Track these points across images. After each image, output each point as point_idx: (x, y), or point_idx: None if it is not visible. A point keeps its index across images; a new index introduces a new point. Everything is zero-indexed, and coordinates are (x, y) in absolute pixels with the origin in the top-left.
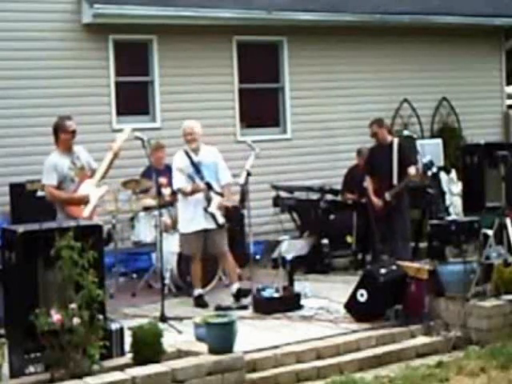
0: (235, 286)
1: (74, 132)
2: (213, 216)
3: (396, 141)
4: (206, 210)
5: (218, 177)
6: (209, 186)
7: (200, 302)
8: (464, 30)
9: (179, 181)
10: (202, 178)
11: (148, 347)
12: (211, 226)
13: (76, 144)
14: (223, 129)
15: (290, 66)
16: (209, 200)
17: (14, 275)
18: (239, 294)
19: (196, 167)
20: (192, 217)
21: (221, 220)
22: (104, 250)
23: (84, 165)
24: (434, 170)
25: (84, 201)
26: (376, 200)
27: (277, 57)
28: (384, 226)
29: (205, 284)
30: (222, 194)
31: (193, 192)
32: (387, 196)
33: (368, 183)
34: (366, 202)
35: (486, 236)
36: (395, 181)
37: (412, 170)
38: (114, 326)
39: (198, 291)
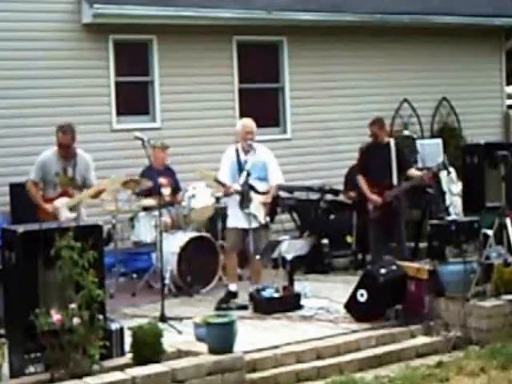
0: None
1: (61, 146)
2: (252, 215)
3: (392, 141)
4: (242, 210)
5: (268, 177)
6: (249, 186)
7: (227, 300)
8: (464, 30)
9: (222, 174)
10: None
11: (148, 347)
12: (253, 225)
13: (76, 143)
14: (223, 129)
15: (289, 66)
16: (249, 200)
17: (14, 275)
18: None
19: (240, 166)
20: (234, 214)
21: (262, 220)
22: (104, 249)
23: (76, 177)
24: (451, 170)
25: (49, 216)
26: (375, 197)
27: (277, 57)
28: (380, 227)
29: (205, 284)
30: (265, 193)
31: (225, 195)
32: (387, 196)
33: (362, 182)
34: (361, 202)
35: (486, 236)
36: (395, 181)
37: (415, 172)
38: (114, 326)
39: (233, 286)
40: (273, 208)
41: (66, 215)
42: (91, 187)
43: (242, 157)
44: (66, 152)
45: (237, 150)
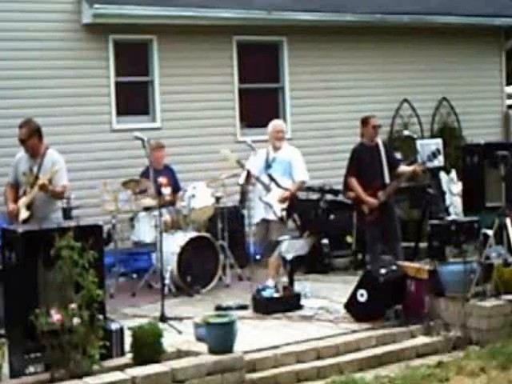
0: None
1: (20, 141)
2: (270, 206)
3: (380, 141)
4: (260, 198)
5: (292, 174)
6: (271, 178)
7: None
8: (464, 30)
9: (249, 162)
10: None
11: (148, 347)
12: (270, 216)
13: (76, 143)
14: (223, 129)
15: (289, 66)
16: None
17: (14, 275)
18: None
19: (267, 162)
20: (256, 207)
21: (278, 212)
22: (104, 249)
23: (40, 176)
24: (441, 158)
25: (11, 215)
26: (371, 200)
27: (277, 57)
28: (376, 228)
29: (205, 284)
30: (286, 189)
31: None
32: (381, 196)
33: (356, 185)
34: (356, 204)
35: (486, 236)
36: (387, 180)
37: (405, 168)
38: (114, 326)
39: (270, 282)
40: (291, 205)
41: (23, 215)
42: (56, 186)
43: (272, 154)
44: (28, 149)
45: (267, 149)
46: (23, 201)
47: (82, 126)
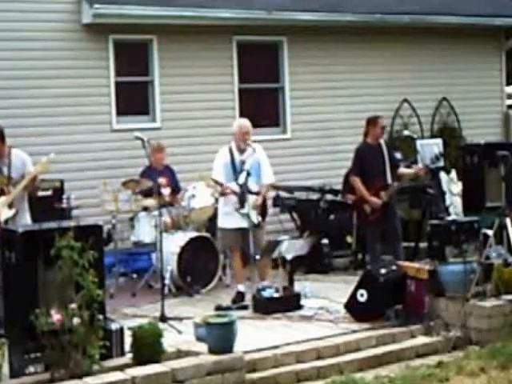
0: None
1: None
2: (248, 216)
3: (382, 141)
4: (237, 210)
5: (261, 175)
6: (242, 187)
7: (236, 299)
8: (464, 30)
9: (217, 174)
10: (236, 179)
11: (148, 347)
12: (246, 225)
13: (76, 143)
14: (223, 129)
15: (289, 66)
16: (243, 201)
17: (14, 275)
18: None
19: (235, 166)
20: (229, 213)
21: (256, 219)
22: (104, 249)
23: (12, 175)
24: (441, 162)
25: None
26: (375, 199)
27: (277, 57)
28: (377, 227)
29: (205, 284)
30: (258, 194)
31: (221, 194)
32: (383, 196)
33: (359, 184)
34: (358, 204)
35: (486, 236)
36: (389, 180)
37: (405, 170)
38: (114, 326)
39: (239, 287)
40: (264, 208)
41: (5, 214)
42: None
43: (237, 156)
44: None
45: (230, 150)
46: (2, 200)
47: (82, 126)
